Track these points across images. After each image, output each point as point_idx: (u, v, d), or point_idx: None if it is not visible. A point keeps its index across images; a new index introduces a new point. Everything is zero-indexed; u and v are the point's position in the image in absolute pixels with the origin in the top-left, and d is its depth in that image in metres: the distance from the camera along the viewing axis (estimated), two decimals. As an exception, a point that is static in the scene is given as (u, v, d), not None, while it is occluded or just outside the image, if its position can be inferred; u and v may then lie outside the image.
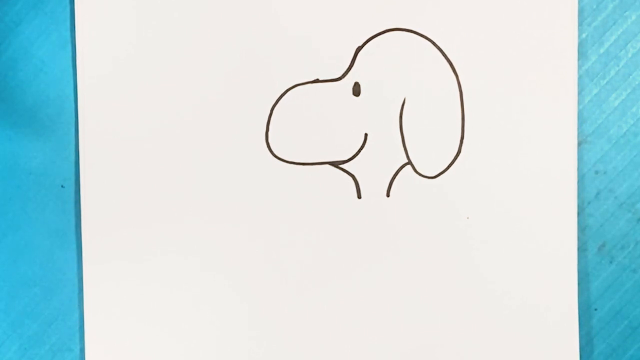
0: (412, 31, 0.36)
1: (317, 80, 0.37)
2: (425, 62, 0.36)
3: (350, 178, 0.37)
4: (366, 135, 0.36)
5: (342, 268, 0.37)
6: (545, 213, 0.36)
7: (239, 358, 0.37)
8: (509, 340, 0.36)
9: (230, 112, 0.37)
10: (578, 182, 0.36)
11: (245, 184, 0.37)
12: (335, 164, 0.37)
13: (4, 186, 0.38)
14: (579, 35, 0.36)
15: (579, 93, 0.36)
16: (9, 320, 0.38)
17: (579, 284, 0.36)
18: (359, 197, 0.37)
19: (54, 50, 0.37)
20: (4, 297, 0.38)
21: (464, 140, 0.36)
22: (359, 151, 0.36)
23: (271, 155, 0.37)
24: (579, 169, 0.36)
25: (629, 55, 0.36)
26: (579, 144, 0.36)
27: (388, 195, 0.36)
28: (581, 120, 0.36)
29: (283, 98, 0.37)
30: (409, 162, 0.36)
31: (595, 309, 0.37)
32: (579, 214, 0.36)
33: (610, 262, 0.37)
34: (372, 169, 0.36)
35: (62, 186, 0.38)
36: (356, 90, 0.36)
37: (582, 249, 0.37)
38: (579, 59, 0.36)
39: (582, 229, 0.36)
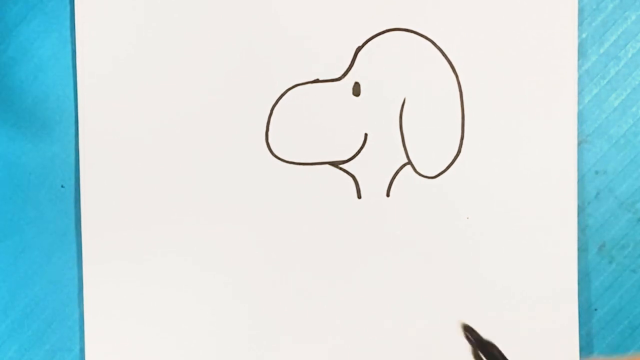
0: (412, 31, 0.36)
1: (317, 80, 0.37)
2: (425, 62, 0.36)
3: (350, 178, 0.37)
4: (366, 135, 0.36)
5: (342, 268, 0.37)
6: (546, 213, 0.36)
7: (239, 358, 0.37)
8: (509, 339, 0.36)
9: (230, 112, 0.37)
10: (578, 182, 0.36)
11: (245, 184, 0.37)
12: (335, 164, 0.37)
13: (4, 186, 0.38)
14: (579, 35, 0.36)
15: (579, 93, 0.36)
16: (9, 320, 0.38)
17: (579, 284, 0.36)
18: (359, 197, 0.37)
19: (54, 50, 0.37)
20: (4, 297, 0.38)
21: (464, 140, 0.36)
22: (359, 151, 0.36)
23: (271, 155, 0.37)
24: (579, 169, 0.36)
25: (629, 55, 0.36)
26: (579, 144, 0.36)
27: (388, 195, 0.36)
28: (581, 120, 0.36)
29: (283, 98, 0.37)
30: (409, 162, 0.36)
31: (595, 309, 0.37)
32: (579, 214, 0.36)
33: (610, 262, 0.37)
34: (372, 169, 0.36)
35: (62, 186, 0.38)
36: (356, 90, 0.36)
37: (582, 249, 0.37)
38: (579, 59, 0.36)
39: (582, 229, 0.36)
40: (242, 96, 0.37)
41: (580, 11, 0.36)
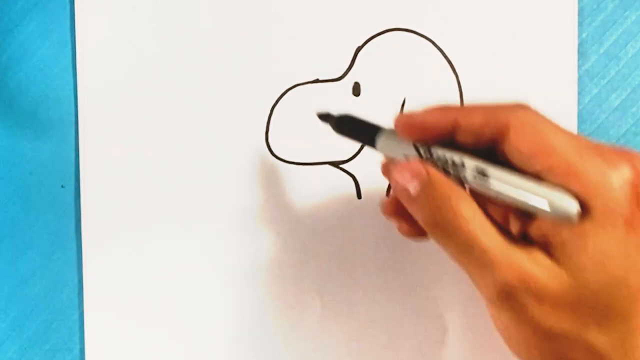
0: (412, 31, 0.36)
1: (317, 80, 0.37)
2: (425, 62, 0.36)
3: (350, 178, 0.37)
4: (366, 135, 0.36)
5: (342, 267, 0.37)
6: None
7: (239, 358, 0.37)
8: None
9: (230, 112, 0.37)
10: (578, 182, 0.36)
11: (245, 184, 0.37)
12: (335, 164, 0.37)
13: (4, 186, 0.38)
14: (579, 35, 0.36)
15: (579, 93, 0.36)
16: (9, 320, 0.38)
17: (579, 284, 0.36)
18: (359, 197, 0.37)
19: (54, 50, 0.37)
20: (4, 297, 0.38)
21: (464, 140, 0.36)
22: (359, 151, 0.36)
23: (271, 155, 0.37)
24: (579, 169, 0.36)
25: (629, 55, 0.36)
26: (579, 144, 0.36)
27: (388, 195, 0.36)
28: (581, 120, 0.36)
29: (283, 98, 0.37)
30: (409, 162, 0.36)
31: (595, 309, 0.37)
32: (579, 214, 0.36)
33: (610, 262, 0.37)
34: (372, 169, 0.36)
35: (62, 186, 0.38)
36: (356, 90, 0.36)
37: (582, 249, 0.36)
38: (579, 59, 0.36)
39: (582, 229, 0.36)
40: (242, 96, 0.37)
41: (580, 11, 0.36)
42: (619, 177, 0.25)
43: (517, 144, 0.26)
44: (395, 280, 0.37)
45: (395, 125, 0.29)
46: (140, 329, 0.37)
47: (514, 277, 0.26)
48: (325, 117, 0.33)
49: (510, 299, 0.26)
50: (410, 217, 0.29)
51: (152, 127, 0.37)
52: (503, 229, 0.27)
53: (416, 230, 0.31)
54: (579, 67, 0.36)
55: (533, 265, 0.26)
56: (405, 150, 0.29)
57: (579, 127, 0.36)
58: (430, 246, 0.36)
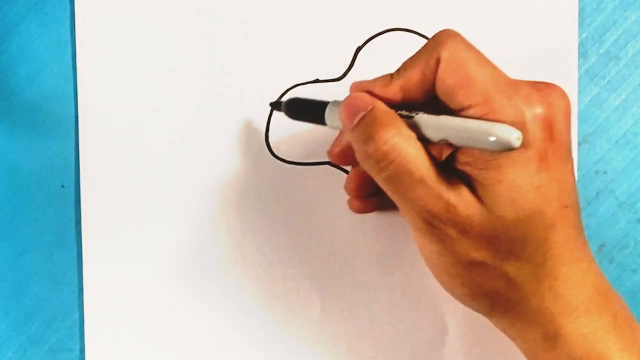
0: (412, 31, 0.36)
1: (317, 80, 0.37)
2: (425, 62, 0.36)
3: (350, 178, 0.37)
4: (366, 135, 0.36)
5: (342, 268, 0.37)
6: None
7: (238, 358, 0.37)
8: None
9: (230, 112, 0.37)
10: (578, 182, 0.36)
11: (245, 183, 0.37)
12: (335, 164, 0.37)
13: (4, 186, 0.38)
14: (579, 35, 0.36)
15: (579, 93, 0.36)
16: (9, 320, 0.38)
17: (579, 284, 0.36)
18: (359, 197, 0.37)
19: (54, 50, 0.37)
20: (4, 297, 0.38)
21: (464, 140, 0.36)
22: (359, 151, 0.36)
23: (271, 155, 0.37)
24: (579, 169, 0.36)
25: (629, 55, 0.36)
26: (579, 144, 0.36)
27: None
28: (581, 120, 0.36)
29: (283, 98, 0.37)
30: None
31: (595, 309, 0.37)
32: (579, 214, 0.36)
33: (610, 262, 0.37)
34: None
35: (62, 186, 0.38)
36: (356, 90, 0.36)
37: (582, 249, 0.36)
38: (579, 59, 0.36)
39: (582, 229, 0.36)
40: (242, 96, 0.37)
41: (580, 11, 0.36)
42: (532, 114, 0.26)
43: (443, 78, 0.27)
44: (395, 280, 0.37)
45: (350, 89, 0.31)
46: (140, 328, 0.37)
47: (439, 209, 0.27)
48: (276, 105, 0.35)
49: (435, 228, 0.27)
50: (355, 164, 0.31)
51: (152, 127, 0.37)
52: (434, 160, 0.28)
53: (359, 191, 0.33)
54: (579, 67, 0.36)
55: (458, 198, 0.27)
56: None
57: (579, 127, 0.36)
58: (430, 246, 0.36)
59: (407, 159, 0.27)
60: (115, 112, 0.37)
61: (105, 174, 0.37)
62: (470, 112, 0.27)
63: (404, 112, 0.28)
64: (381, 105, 0.29)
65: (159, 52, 0.37)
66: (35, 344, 0.38)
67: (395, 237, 0.36)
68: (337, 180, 0.36)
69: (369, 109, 0.28)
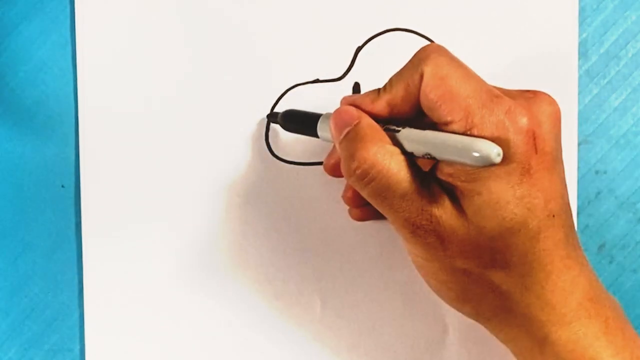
0: (412, 31, 0.36)
1: (317, 80, 0.37)
2: (425, 62, 0.36)
3: (350, 178, 0.37)
4: (366, 135, 0.36)
5: (342, 267, 0.37)
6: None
7: (239, 357, 0.37)
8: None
9: (230, 112, 0.37)
10: (578, 182, 0.36)
11: (245, 183, 0.37)
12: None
13: (4, 186, 0.38)
14: (579, 35, 0.36)
15: (579, 93, 0.36)
16: (9, 320, 0.38)
17: (579, 284, 0.36)
18: (359, 197, 0.37)
19: (54, 50, 0.37)
20: (4, 297, 0.38)
21: (464, 140, 0.36)
22: (359, 151, 0.36)
23: (271, 155, 0.37)
24: (579, 169, 0.36)
25: (629, 55, 0.36)
26: (579, 144, 0.36)
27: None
28: (581, 120, 0.36)
29: (283, 98, 0.37)
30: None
31: (595, 309, 0.37)
32: (579, 214, 0.36)
33: (610, 262, 0.37)
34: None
35: (62, 186, 0.38)
36: (356, 90, 0.36)
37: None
38: (579, 59, 0.36)
39: (582, 229, 0.36)
40: (242, 96, 0.37)
41: (581, 11, 0.36)
42: (515, 127, 0.26)
43: (426, 93, 0.27)
44: (395, 281, 0.37)
45: (341, 102, 0.31)
46: (140, 328, 0.37)
47: (422, 220, 0.27)
48: (273, 117, 0.35)
49: (419, 237, 0.28)
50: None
51: (152, 127, 0.37)
52: (419, 171, 0.28)
53: (357, 200, 0.34)
54: (579, 67, 0.36)
55: (440, 210, 0.27)
56: None
57: (579, 127, 0.36)
58: (430, 246, 0.36)
59: (389, 175, 0.27)
60: (115, 112, 0.37)
61: (105, 174, 0.37)
62: (453, 127, 0.27)
63: (390, 127, 0.28)
64: (367, 120, 0.29)
65: (159, 52, 0.37)
66: (35, 344, 0.38)
67: (395, 237, 0.36)
68: (337, 181, 0.36)
69: (354, 123, 0.29)
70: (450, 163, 0.27)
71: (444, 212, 0.27)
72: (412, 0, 0.36)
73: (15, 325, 0.38)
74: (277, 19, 0.36)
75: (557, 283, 0.28)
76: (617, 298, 0.30)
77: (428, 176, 0.28)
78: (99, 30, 0.37)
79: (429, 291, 0.31)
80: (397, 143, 0.28)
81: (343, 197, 0.34)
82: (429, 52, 0.28)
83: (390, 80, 0.29)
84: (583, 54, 0.36)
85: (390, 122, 0.29)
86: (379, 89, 0.30)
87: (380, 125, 0.29)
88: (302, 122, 0.34)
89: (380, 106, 0.29)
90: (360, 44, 0.36)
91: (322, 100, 0.36)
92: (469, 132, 0.26)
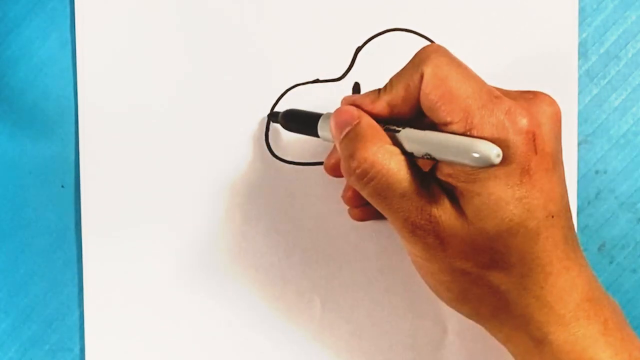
0: (412, 31, 0.36)
1: (317, 80, 0.37)
2: (425, 62, 0.36)
3: (350, 178, 0.37)
4: (366, 135, 0.36)
5: (342, 268, 0.37)
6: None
7: (239, 357, 0.37)
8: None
9: (230, 112, 0.37)
10: (578, 182, 0.36)
11: (245, 183, 0.37)
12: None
13: (4, 186, 0.38)
14: (579, 35, 0.36)
15: (579, 93, 0.36)
16: (9, 320, 0.38)
17: (579, 284, 0.36)
18: (359, 197, 0.37)
19: (54, 50, 0.37)
20: (4, 297, 0.38)
21: (464, 140, 0.36)
22: (359, 151, 0.36)
23: (271, 155, 0.37)
24: (579, 169, 0.36)
25: (629, 55, 0.36)
26: (579, 144, 0.36)
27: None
28: (581, 120, 0.36)
29: (283, 98, 0.37)
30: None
31: (595, 309, 0.37)
32: (579, 214, 0.36)
33: (610, 262, 0.37)
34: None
35: (62, 186, 0.38)
36: (356, 90, 0.36)
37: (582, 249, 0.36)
38: (579, 59, 0.36)
39: (582, 229, 0.37)
40: (242, 96, 0.37)
41: (580, 11, 0.36)
42: (514, 127, 0.26)
43: (426, 93, 0.27)
44: (395, 281, 0.37)
45: (341, 102, 0.31)
46: (140, 328, 0.37)
47: (421, 220, 0.27)
48: (274, 116, 0.35)
49: (418, 237, 0.28)
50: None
51: (152, 127, 0.37)
52: (419, 171, 0.28)
53: (356, 200, 0.34)
54: (579, 67, 0.36)
55: (440, 210, 0.27)
56: None
57: (579, 127, 0.36)
58: (430, 246, 0.36)
59: (389, 175, 0.27)
60: (115, 112, 0.37)
61: (105, 174, 0.37)
62: (453, 127, 0.27)
63: (390, 127, 0.28)
64: (367, 120, 0.29)
65: (159, 52, 0.37)
66: (35, 344, 0.38)
67: (395, 237, 0.36)
68: (337, 181, 0.36)
69: (355, 122, 0.29)
70: (450, 163, 0.27)
71: (444, 212, 0.27)
72: (412, 0, 0.36)
73: (15, 325, 0.38)
74: (277, 19, 0.36)
75: (556, 284, 0.28)
76: (616, 298, 0.30)
77: (428, 176, 0.28)
78: (99, 30, 0.37)
79: (429, 291, 0.31)
80: (397, 143, 0.28)
81: (343, 197, 0.34)
82: (429, 53, 0.28)
83: (391, 80, 0.29)
84: (583, 54, 0.36)
85: (390, 123, 0.29)
86: (379, 89, 0.30)
87: (381, 126, 0.29)
88: (302, 122, 0.34)
89: (381, 106, 0.29)
90: (360, 44, 0.36)
91: (322, 100, 0.36)
92: (468, 133, 0.26)
